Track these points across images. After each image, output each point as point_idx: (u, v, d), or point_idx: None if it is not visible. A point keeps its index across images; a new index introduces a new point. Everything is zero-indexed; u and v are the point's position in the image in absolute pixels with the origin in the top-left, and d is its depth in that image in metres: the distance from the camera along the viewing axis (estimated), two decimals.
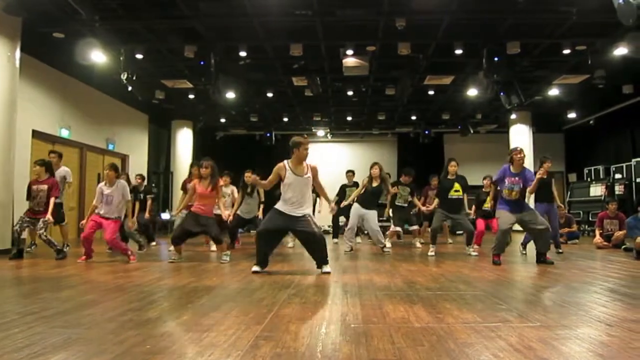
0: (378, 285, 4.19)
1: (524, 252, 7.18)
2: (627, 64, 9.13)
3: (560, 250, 7.18)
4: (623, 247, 7.62)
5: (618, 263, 5.93)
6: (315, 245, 5.07)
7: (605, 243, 8.10)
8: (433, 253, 6.95)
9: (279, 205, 5.06)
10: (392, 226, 8.58)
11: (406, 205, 8.53)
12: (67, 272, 5.03)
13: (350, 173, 9.80)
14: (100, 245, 7.44)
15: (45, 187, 6.46)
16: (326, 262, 5.05)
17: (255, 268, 5.00)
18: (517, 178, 5.73)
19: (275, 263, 5.88)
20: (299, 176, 4.98)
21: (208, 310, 3.12)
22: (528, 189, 5.74)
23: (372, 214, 7.31)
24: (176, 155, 14.82)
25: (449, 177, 7.11)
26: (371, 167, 7.42)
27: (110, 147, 11.81)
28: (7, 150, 7.11)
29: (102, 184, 6.41)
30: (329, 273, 4.89)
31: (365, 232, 8.71)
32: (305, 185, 5.03)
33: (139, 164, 13.01)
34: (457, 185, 7.01)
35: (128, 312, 3.07)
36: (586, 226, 12.11)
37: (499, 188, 5.93)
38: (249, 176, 7.83)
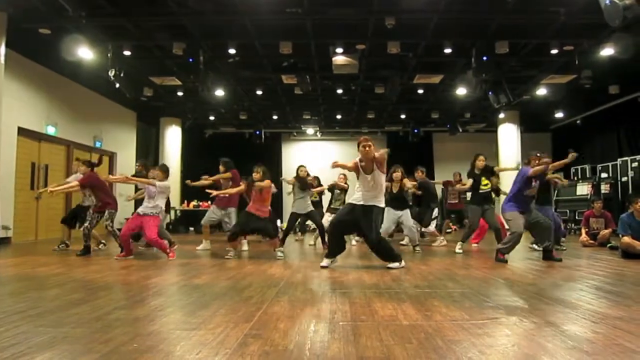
0: (367, 283, 4.20)
1: (535, 247, 7.16)
2: (614, 65, 9.25)
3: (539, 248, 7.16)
4: (609, 245, 7.72)
5: (603, 261, 6.01)
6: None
7: (591, 241, 8.19)
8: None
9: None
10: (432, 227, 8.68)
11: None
12: (54, 271, 4.97)
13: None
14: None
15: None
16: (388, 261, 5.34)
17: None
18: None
19: (264, 262, 5.87)
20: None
21: (196, 309, 3.11)
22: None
23: (407, 213, 7.30)
24: (164, 153, 14.69)
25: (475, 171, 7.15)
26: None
27: (98, 144, 11.69)
28: None
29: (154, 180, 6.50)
30: (391, 269, 5.14)
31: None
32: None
33: (126, 161, 12.89)
34: (484, 180, 7.05)
35: (115, 310, 3.05)
36: (572, 225, 12.26)
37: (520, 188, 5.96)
38: (304, 171, 7.78)
